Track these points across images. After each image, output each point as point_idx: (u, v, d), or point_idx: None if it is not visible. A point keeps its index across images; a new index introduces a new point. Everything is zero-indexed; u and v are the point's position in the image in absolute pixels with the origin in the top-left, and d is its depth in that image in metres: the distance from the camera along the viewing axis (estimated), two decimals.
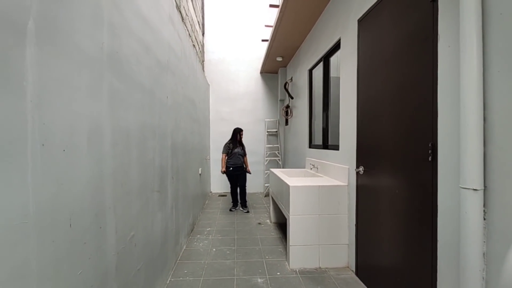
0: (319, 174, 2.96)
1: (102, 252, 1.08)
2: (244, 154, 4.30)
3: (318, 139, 3.38)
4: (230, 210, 4.17)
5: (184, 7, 3.41)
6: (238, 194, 4.29)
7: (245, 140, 4.72)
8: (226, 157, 4.15)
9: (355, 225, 2.17)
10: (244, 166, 4.26)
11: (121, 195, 1.26)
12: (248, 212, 4.09)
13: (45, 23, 0.77)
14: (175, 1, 2.85)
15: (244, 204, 4.22)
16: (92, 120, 1.01)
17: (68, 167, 0.87)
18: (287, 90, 4.72)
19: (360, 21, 2.13)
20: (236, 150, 4.17)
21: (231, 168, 4.13)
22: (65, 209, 0.85)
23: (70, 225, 0.87)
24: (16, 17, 0.67)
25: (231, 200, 4.34)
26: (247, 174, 4.33)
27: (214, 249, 2.64)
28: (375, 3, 1.89)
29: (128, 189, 1.34)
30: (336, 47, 2.72)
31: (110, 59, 1.15)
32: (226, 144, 4.24)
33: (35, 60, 0.73)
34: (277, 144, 5.62)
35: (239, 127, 4.50)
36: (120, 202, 1.24)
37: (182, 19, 3.19)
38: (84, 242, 0.95)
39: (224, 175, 4.23)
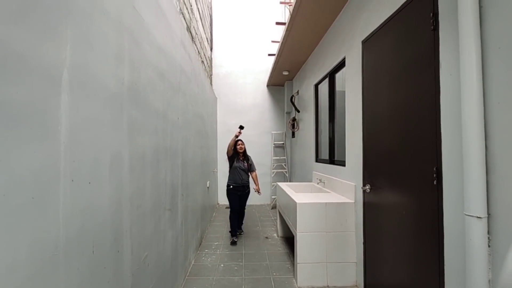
0: (326, 189, 2.98)
1: (119, 274, 1.14)
2: (250, 170, 3.61)
3: (325, 153, 3.41)
4: (232, 243, 3.29)
5: (194, 27, 3.56)
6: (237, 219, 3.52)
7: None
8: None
9: (363, 243, 2.18)
10: (248, 184, 3.55)
11: (137, 217, 1.33)
12: (241, 234, 3.58)
13: (77, 70, 0.86)
14: (186, 23, 2.99)
15: (239, 226, 3.64)
16: (113, 150, 1.09)
17: (92, 197, 0.94)
18: (293, 104, 4.80)
19: (364, 42, 2.20)
20: (235, 164, 3.51)
21: (231, 186, 3.46)
22: (89, 237, 0.92)
23: (93, 251, 0.94)
24: (53, 69, 0.76)
25: (229, 229, 3.48)
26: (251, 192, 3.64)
27: (222, 265, 2.67)
28: (378, 27, 1.96)
29: (143, 211, 1.41)
30: (341, 64, 2.79)
31: (129, 92, 1.24)
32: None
33: (68, 105, 0.81)
34: (284, 156, 5.66)
35: (242, 139, 3.74)
36: (135, 225, 1.31)
37: (192, 39, 3.34)
38: (104, 266, 1.02)
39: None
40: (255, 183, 3.64)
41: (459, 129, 1.23)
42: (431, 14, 1.41)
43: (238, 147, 3.54)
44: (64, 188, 0.79)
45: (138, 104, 1.35)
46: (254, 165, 3.71)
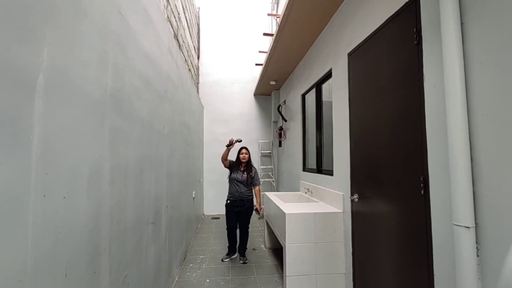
0: (314, 199, 2.97)
1: None
2: (252, 183, 3.15)
3: (312, 162, 3.42)
4: (222, 260, 3.07)
5: (181, 35, 3.53)
6: (237, 236, 3.13)
7: None
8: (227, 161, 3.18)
9: (352, 253, 2.16)
10: (250, 198, 3.12)
11: (117, 233, 1.23)
12: (245, 263, 2.97)
13: (55, 75, 0.79)
14: (173, 31, 2.95)
15: (242, 252, 3.11)
16: (93, 162, 1.01)
17: (67, 214, 0.85)
18: (280, 113, 4.83)
19: (350, 54, 2.26)
20: (232, 175, 3.14)
21: (228, 201, 3.09)
22: (62, 259, 0.83)
23: (66, 275, 0.85)
24: (27, 74, 0.69)
25: (227, 243, 3.17)
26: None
27: (207, 280, 2.55)
28: (363, 40, 2.02)
29: (124, 226, 1.32)
30: (328, 75, 2.84)
31: (112, 99, 1.17)
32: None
33: (42, 113, 0.74)
34: (271, 165, 5.64)
35: (237, 148, 3.33)
36: (115, 242, 1.21)
37: (179, 47, 3.29)
38: None
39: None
40: (257, 199, 3.16)
41: (444, 140, 1.26)
42: (415, 30, 1.47)
43: (241, 156, 3.15)
44: (34, 204, 0.71)
45: (121, 112, 1.27)
46: (258, 178, 3.23)
